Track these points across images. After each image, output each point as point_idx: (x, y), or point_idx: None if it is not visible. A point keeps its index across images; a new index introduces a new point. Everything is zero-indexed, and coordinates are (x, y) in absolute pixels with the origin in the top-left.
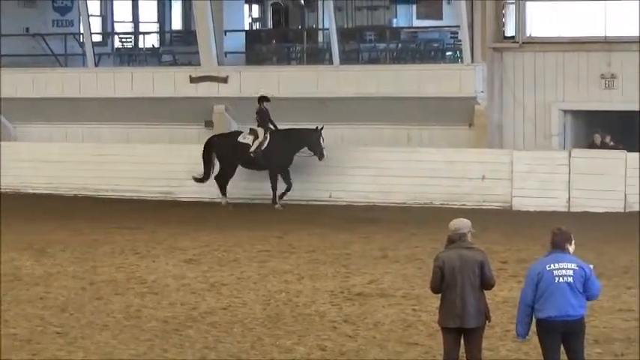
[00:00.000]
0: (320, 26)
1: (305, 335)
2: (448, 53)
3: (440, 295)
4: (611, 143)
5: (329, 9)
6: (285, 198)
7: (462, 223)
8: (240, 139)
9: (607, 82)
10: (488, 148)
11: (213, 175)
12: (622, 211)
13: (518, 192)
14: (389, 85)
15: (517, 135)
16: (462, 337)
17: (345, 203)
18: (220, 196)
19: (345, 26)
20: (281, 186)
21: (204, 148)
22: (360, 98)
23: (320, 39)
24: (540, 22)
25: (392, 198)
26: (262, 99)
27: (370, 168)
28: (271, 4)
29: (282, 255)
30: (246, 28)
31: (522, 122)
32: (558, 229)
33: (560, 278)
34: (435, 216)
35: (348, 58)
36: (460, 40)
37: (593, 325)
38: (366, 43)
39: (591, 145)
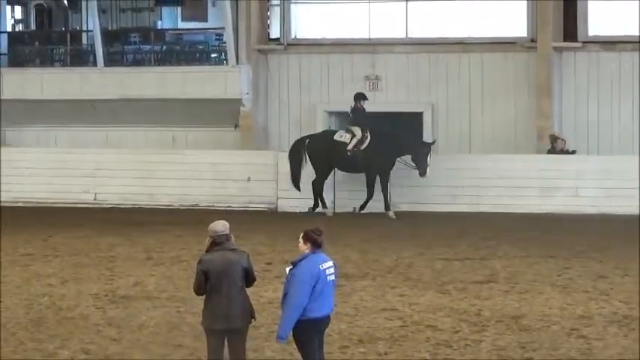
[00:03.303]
0: (84, 28)
1: (69, 339)
2: (213, 55)
3: (204, 297)
4: (567, 148)
5: (93, 10)
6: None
7: (223, 226)
8: (337, 137)
9: (371, 84)
10: (254, 149)
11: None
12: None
13: (284, 193)
14: (154, 87)
15: (282, 136)
16: (227, 339)
17: (110, 205)
18: (322, 208)
19: (110, 28)
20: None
21: (291, 149)
22: (125, 100)
23: (84, 41)
24: (305, 24)
25: (158, 200)
26: (359, 96)
27: (135, 170)
28: (34, 6)
29: (46, 258)
30: (9, 29)
31: (288, 124)
32: (319, 229)
33: (329, 277)
34: (200, 218)
35: (112, 60)
36: (225, 42)
37: (358, 324)
38: (130, 45)
39: (551, 150)
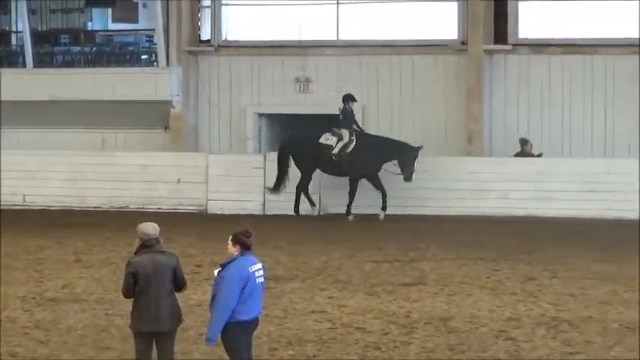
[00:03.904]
0: (14, 29)
1: None
2: (144, 57)
3: (132, 299)
4: (533, 152)
5: (22, 11)
6: None
7: (154, 229)
8: (322, 140)
9: (302, 86)
10: (184, 151)
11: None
12: (315, 214)
13: (214, 195)
14: (83, 89)
15: (213, 138)
16: (155, 341)
17: (39, 207)
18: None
19: (39, 29)
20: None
21: (279, 152)
22: (55, 101)
23: (13, 41)
24: (236, 26)
25: (87, 202)
26: (348, 98)
27: (65, 172)
28: None
29: None
30: None
31: (218, 126)
32: (248, 232)
33: (258, 279)
34: (130, 220)
35: (42, 61)
36: (156, 44)
37: (287, 327)
38: (60, 46)
39: (520, 153)
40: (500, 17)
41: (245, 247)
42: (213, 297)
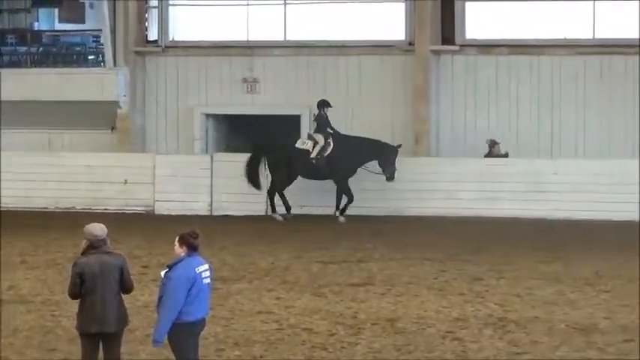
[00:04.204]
0: None
1: None
2: (91, 57)
3: (79, 300)
4: (502, 152)
5: None
6: None
7: (102, 230)
8: (298, 145)
9: (249, 87)
10: (131, 152)
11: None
12: (263, 214)
13: (161, 196)
14: (30, 89)
15: (160, 139)
16: (101, 342)
17: None
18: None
19: None
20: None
21: (252, 157)
22: (1, 102)
23: None
24: (183, 26)
25: (34, 203)
26: (323, 104)
27: (11, 172)
28: None
29: None
30: None
31: (165, 126)
32: (195, 232)
33: (205, 280)
34: (77, 221)
35: None
36: (102, 44)
37: (234, 327)
38: (7, 47)
39: (489, 155)
40: (447, 18)
41: (192, 248)
42: (160, 298)
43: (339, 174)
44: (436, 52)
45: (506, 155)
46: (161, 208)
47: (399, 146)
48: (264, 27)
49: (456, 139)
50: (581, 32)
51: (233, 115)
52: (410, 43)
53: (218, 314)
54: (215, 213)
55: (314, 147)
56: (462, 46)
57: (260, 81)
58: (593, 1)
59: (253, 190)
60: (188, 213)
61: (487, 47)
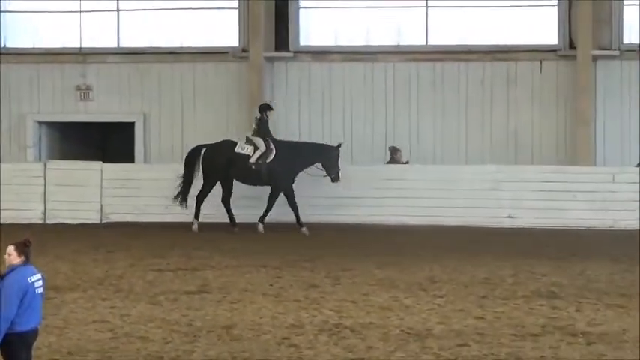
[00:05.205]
0: None
1: None
2: None
3: None
4: (403, 160)
5: None
6: None
7: None
8: (238, 149)
9: (82, 94)
10: None
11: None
12: (98, 222)
13: None
14: None
15: None
16: None
17: None
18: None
19: None
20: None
21: (187, 159)
22: None
23: None
24: (15, 33)
25: None
26: (265, 107)
27: None
28: None
29: None
30: None
31: None
32: (28, 241)
33: (37, 289)
34: None
35: None
36: None
37: (68, 337)
38: None
39: (391, 162)
40: (281, 25)
41: (25, 257)
42: None
43: (281, 180)
44: (270, 59)
45: (406, 163)
46: None
47: (340, 145)
48: (98, 34)
49: None
50: (415, 39)
51: (66, 123)
52: (244, 50)
53: (52, 323)
54: (49, 221)
55: (254, 152)
56: (296, 52)
57: (93, 88)
58: (426, 8)
59: (87, 197)
60: (22, 221)
61: (321, 54)
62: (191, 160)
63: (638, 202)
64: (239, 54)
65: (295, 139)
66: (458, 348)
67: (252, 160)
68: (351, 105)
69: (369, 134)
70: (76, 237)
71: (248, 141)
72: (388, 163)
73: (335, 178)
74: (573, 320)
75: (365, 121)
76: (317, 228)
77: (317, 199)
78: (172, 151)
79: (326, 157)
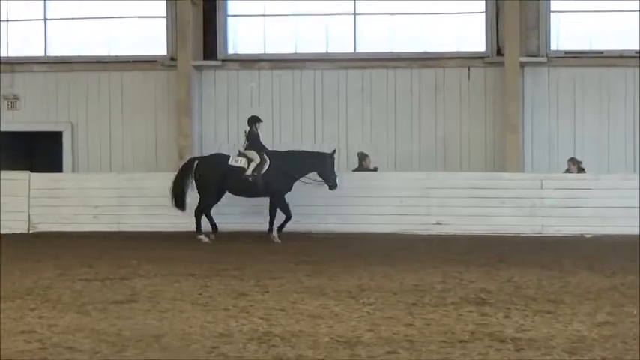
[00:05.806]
0: None
1: None
2: None
3: None
4: (371, 166)
5: None
6: None
7: None
8: (232, 162)
9: (10, 103)
10: None
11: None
12: (26, 232)
13: None
14: None
15: None
16: None
17: None
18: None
19: None
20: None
21: (181, 172)
22: None
23: None
24: None
25: None
26: (254, 120)
27: None
28: None
29: None
30: None
31: None
32: None
33: None
34: None
35: None
36: None
37: None
38: None
39: (360, 168)
40: (209, 34)
41: None
42: None
43: (278, 190)
44: (198, 67)
45: (375, 170)
46: None
47: (334, 152)
48: (25, 43)
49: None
50: (343, 47)
51: None
52: (172, 59)
53: None
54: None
55: (249, 165)
56: (224, 60)
57: (21, 97)
58: (354, 16)
59: (14, 207)
60: None
61: (249, 62)
62: (185, 171)
63: (565, 209)
64: (167, 62)
65: (224, 148)
66: (387, 355)
67: (249, 172)
68: (280, 112)
69: (297, 142)
70: (4, 247)
71: (240, 154)
72: (356, 169)
73: (333, 186)
74: (502, 326)
75: (294, 128)
76: (245, 236)
77: (241, 207)
78: (100, 160)
79: (321, 164)
